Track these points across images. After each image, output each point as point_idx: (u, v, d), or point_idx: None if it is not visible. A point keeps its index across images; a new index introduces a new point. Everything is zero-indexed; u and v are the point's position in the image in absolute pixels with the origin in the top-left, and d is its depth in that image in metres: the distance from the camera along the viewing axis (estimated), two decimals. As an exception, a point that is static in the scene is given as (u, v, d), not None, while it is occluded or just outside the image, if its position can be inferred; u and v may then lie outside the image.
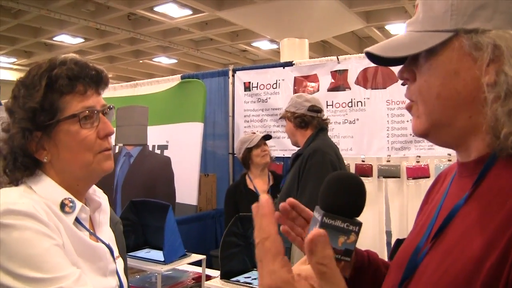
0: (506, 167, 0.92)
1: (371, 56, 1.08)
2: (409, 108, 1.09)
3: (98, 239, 1.51)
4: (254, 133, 4.38)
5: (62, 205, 1.37)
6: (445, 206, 1.07)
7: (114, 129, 1.54)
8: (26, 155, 1.38)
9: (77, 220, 1.41)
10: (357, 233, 1.09)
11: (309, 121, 3.40)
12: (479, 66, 0.94)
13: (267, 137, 4.50)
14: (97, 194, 1.60)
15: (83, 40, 16.98)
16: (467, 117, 0.97)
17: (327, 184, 1.15)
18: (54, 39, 16.48)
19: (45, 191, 1.37)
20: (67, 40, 16.77)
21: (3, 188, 1.37)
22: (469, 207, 0.96)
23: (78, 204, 1.42)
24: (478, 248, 0.87)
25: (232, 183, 4.77)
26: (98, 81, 1.48)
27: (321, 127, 3.44)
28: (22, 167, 1.38)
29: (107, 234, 1.58)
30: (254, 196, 4.21)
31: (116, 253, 1.58)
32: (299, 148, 3.53)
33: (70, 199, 1.40)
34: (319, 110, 3.44)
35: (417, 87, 1.04)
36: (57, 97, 1.39)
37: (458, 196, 1.01)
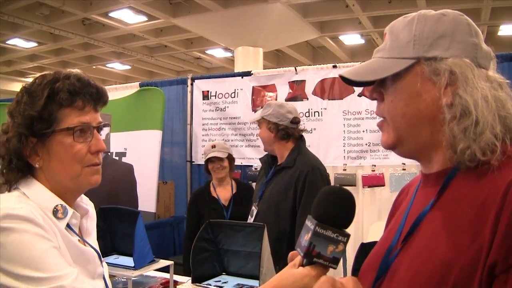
0: (465, 179, 1.05)
1: (344, 78, 1.21)
2: (380, 126, 1.22)
3: (86, 243, 1.56)
4: (214, 146, 4.32)
5: (55, 211, 1.43)
6: (412, 213, 1.19)
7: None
8: (20, 159, 1.43)
9: (67, 226, 1.46)
10: (345, 243, 1.19)
11: (291, 133, 3.37)
12: (437, 89, 1.08)
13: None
14: (84, 201, 1.66)
15: (36, 44, 16.64)
16: (428, 133, 1.11)
17: (322, 196, 1.25)
18: (7, 42, 16.05)
19: (38, 197, 1.42)
20: (20, 44, 16.42)
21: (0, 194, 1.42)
22: (434, 214, 1.09)
23: (70, 210, 1.47)
24: (446, 251, 0.99)
25: (197, 189, 4.72)
26: (97, 99, 1.54)
27: (301, 138, 3.45)
28: (16, 169, 1.43)
29: (94, 240, 1.64)
30: (216, 204, 4.25)
31: (101, 257, 1.63)
32: (267, 156, 3.53)
33: (62, 205, 1.45)
34: (299, 121, 3.44)
35: (385, 106, 1.17)
36: (56, 109, 1.44)
37: (423, 204, 1.14)
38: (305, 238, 1.21)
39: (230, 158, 4.40)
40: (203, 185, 4.63)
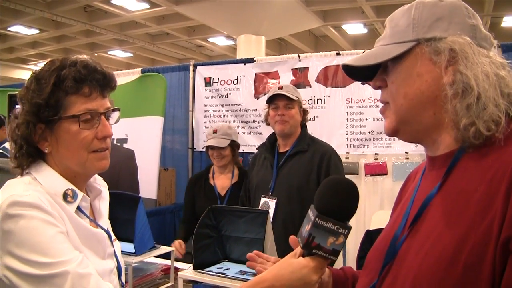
0: (472, 160, 1.05)
1: (347, 71, 1.26)
2: (382, 112, 1.23)
3: (97, 225, 1.61)
4: (216, 131, 3.96)
5: (65, 195, 1.47)
6: (418, 197, 1.18)
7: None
8: (29, 144, 1.47)
9: (78, 208, 1.51)
10: (346, 236, 1.16)
11: (306, 121, 3.47)
12: (438, 68, 1.09)
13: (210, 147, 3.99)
14: (98, 182, 1.71)
15: (38, 31, 16.66)
16: (431, 114, 1.11)
17: (324, 186, 1.22)
18: (9, 29, 16.03)
19: (49, 182, 1.46)
20: (22, 31, 16.44)
21: (10, 180, 1.46)
22: (442, 196, 1.08)
23: (80, 194, 1.52)
24: (456, 231, 0.97)
25: (196, 174, 4.53)
26: (104, 85, 1.56)
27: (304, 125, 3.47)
28: (26, 155, 1.48)
29: (106, 220, 1.70)
30: (212, 193, 4.04)
31: (113, 237, 1.69)
32: (268, 143, 3.52)
33: (72, 190, 1.49)
34: None
35: (388, 90, 1.19)
36: (63, 96, 1.46)
37: (429, 188, 1.13)
38: (305, 229, 1.20)
39: (233, 145, 3.99)
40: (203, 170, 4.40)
